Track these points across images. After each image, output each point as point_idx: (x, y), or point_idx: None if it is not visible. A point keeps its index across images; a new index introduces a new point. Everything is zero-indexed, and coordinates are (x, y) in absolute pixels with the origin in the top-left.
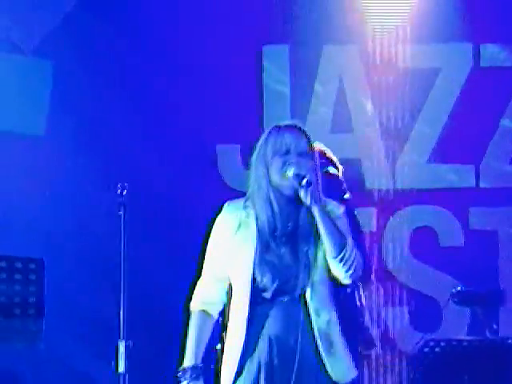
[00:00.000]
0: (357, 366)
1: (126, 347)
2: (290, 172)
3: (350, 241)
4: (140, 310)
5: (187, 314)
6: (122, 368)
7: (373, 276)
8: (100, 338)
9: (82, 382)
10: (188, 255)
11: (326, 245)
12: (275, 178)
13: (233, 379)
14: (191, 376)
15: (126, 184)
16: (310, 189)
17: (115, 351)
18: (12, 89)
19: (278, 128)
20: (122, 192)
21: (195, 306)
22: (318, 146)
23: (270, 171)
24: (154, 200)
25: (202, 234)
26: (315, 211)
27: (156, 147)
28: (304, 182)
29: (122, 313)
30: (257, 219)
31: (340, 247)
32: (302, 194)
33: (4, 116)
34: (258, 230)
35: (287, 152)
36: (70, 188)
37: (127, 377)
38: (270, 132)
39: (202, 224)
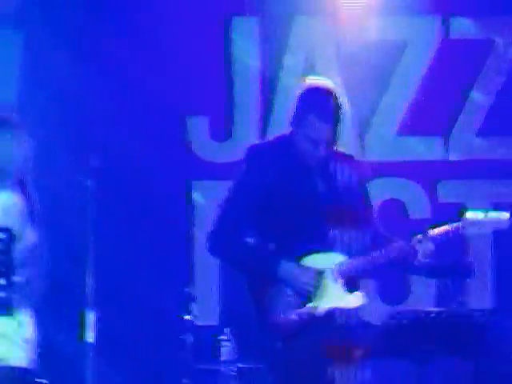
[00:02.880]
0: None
1: (95, 317)
2: None
3: None
4: (109, 280)
5: None
6: (90, 338)
7: None
8: (69, 307)
9: (50, 351)
10: (158, 225)
11: None
12: None
13: None
14: None
15: (95, 154)
16: None
17: (81, 320)
18: None
19: None
20: (91, 162)
21: None
22: None
23: None
24: (123, 171)
25: (171, 204)
26: None
27: (125, 119)
28: None
29: (89, 283)
30: None
31: None
32: None
33: None
34: None
35: None
36: (40, 158)
37: (96, 346)
38: None
39: (172, 195)
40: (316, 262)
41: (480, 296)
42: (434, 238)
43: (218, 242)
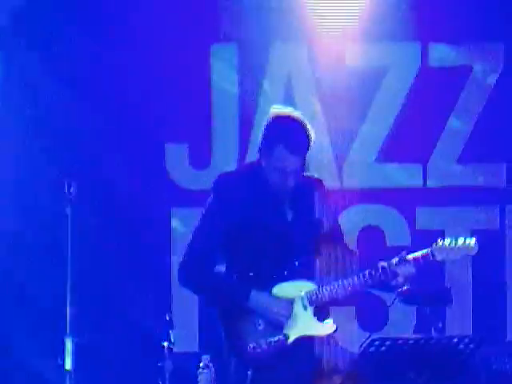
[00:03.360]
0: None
1: (73, 344)
2: None
3: None
4: (88, 307)
5: None
6: (68, 365)
7: None
8: (49, 335)
9: (30, 378)
10: (136, 252)
11: None
12: None
13: None
14: None
15: (73, 182)
16: None
17: (61, 348)
18: None
19: None
20: (69, 190)
21: None
22: None
23: None
24: (101, 198)
25: (150, 231)
26: None
27: (104, 145)
28: None
29: (68, 310)
30: None
31: None
32: None
33: None
34: None
35: None
36: (20, 184)
37: (73, 374)
38: None
39: (149, 221)
40: (286, 290)
41: (459, 323)
42: (410, 262)
43: (188, 273)
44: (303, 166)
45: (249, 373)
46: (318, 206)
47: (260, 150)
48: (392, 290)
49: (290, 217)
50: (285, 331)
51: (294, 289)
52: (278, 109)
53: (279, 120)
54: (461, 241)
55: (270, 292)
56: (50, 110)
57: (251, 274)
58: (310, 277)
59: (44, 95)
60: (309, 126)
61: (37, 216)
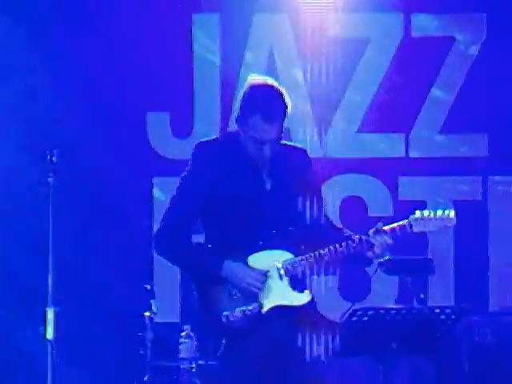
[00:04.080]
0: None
1: (54, 313)
2: None
3: None
4: (69, 277)
5: None
6: (50, 335)
7: None
8: (30, 304)
9: (10, 347)
10: (118, 221)
11: None
12: None
13: None
14: None
15: (54, 150)
16: None
17: (42, 317)
18: None
19: None
20: (50, 159)
21: None
22: None
23: None
24: (83, 166)
25: (132, 200)
26: None
27: (86, 114)
28: None
29: (49, 279)
30: None
31: None
32: None
33: None
34: None
35: None
36: (1, 154)
37: (54, 343)
38: None
39: (131, 191)
40: (262, 260)
41: (441, 293)
42: (386, 233)
43: (163, 242)
44: (280, 135)
45: (223, 341)
46: (300, 175)
47: (237, 119)
48: (368, 262)
49: (268, 186)
50: (259, 300)
51: (270, 258)
52: (254, 78)
53: (254, 89)
54: (439, 212)
55: (246, 262)
56: (31, 81)
57: (227, 243)
58: (287, 247)
59: (25, 67)
60: (285, 94)
61: (18, 186)
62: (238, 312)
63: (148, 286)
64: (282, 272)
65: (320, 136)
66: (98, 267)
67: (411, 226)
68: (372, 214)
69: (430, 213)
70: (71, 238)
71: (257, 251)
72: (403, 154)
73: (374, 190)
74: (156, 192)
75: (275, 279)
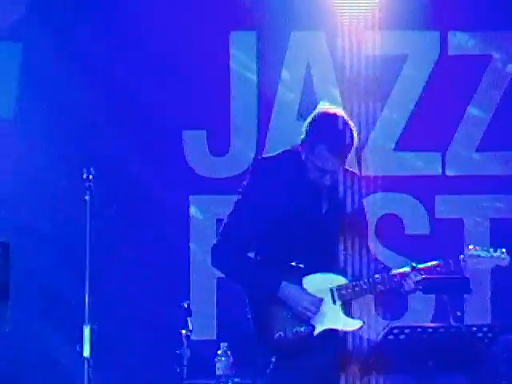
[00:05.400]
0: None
1: (91, 331)
2: None
3: None
4: (106, 295)
5: None
6: (87, 352)
7: None
8: (67, 322)
9: (48, 365)
10: (154, 239)
11: None
12: None
13: None
14: None
15: (92, 169)
16: None
17: (79, 334)
18: None
19: None
20: (88, 177)
21: None
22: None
23: None
24: (120, 185)
25: (169, 218)
26: None
27: (123, 132)
28: None
29: (86, 297)
30: None
31: None
32: None
33: None
34: None
35: None
36: (38, 172)
37: (91, 361)
38: None
39: (168, 209)
40: (316, 283)
41: (478, 311)
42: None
43: (222, 256)
44: (343, 166)
45: (272, 360)
46: (352, 198)
47: (302, 143)
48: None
49: (324, 209)
50: (312, 323)
51: (325, 282)
52: (325, 106)
53: (325, 119)
54: (495, 253)
55: (300, 283)
56: (69, 99)
57: (282, 262)
58: (340, 271)
59: (63, 85)
60: (354, 129)
61: (56, 203)
62: (290, 332)
63: (185, 304)
64: (335, 297)
65: (357, 154)
66: (135, 285)
67: (464, 262)
68: (409, 232)
69: (483, 251)
70: (108, 255)
71: (310, 273)
72: (440, 172)
73: (411, 208)
74: (193, 210)
75: (329, 303)
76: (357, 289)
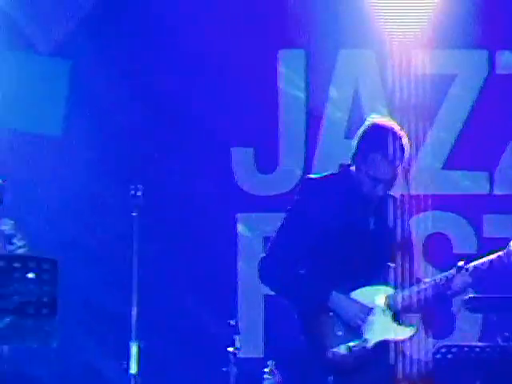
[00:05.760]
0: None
1: (138, 348)
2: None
3: None
4: (153, 311)
5: None
6: (133, 369)
7: None
8: (114, 338)
9: (95, 381)
10: (202, 256)
11: None
12: None
13: None
14: None
15: (139, 186)
16: None
17: (126, 352)
18: (30, 89)
19: None
20: (135, 193)
21: None
22: None
23: None
24: (168, 202)
25: (216, 236)
26: None
27: (171, 149)
28: None
29: (133, 314)
30: None
31: None
32: None
33: (22, 116)
34: None
35: None
36: (86, 188)
37: (139, 378)
38: None
39: (216, 226)
40: (364, 295)
41: None
42: (474, 271)
43: (270, 271)
44: (395, 178)
45: (330, 378)
46: (395, 218)
47: (354, 156)
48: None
49: (372, 225)
50: (365, 336)
51: (374, 293)
52: (376, 118)
53: (377, 128)
54: None
55: (350, 296)
56: (117, 115)
57: (331, 277)
58: (386, 283)
59: (111, 102)
60: (406, 140)
61: (103, 220)
62: (344, 348)
63: (232, 322)
64: (385, 307)
65: (405, 172)
66: (182, 302)
67: (508, 256)
68: (457, 251)
69: None
70: (155, 272)
71: (360, 286)
72: (488, 191)
73: (459, 228)
74: (240, 227)
75: (379, 314)
76: (406, 296)
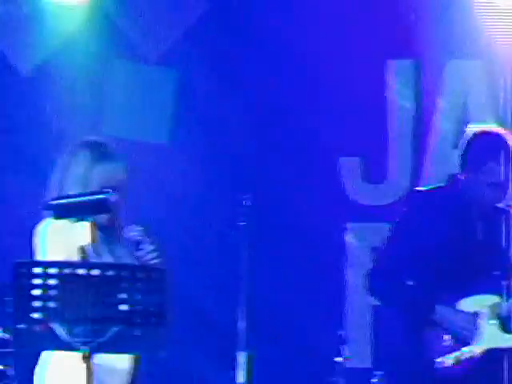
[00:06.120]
0: None
1: (246, 357)
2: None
3: None
4: (261, 321)
5: None
6: (241, 379)
7: None
8: (221, 348)
9: None
10: (310, 266)
11: None
12: None
13: None
14: None
15: (248, 195)
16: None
17: (233, 361)
18: (137, 98)
19: (108, 159)
20: (244, 202)
21: None
22: None
23: None
24: (276, 211)
25: (325, 246)
26: None
27: (279, 158)
28: None
29: (241, 323)
30: None
31: None
32: None
33: (129, 125)
34: None
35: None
36: (193, 197)
37: None
38: (95, 159)
39: (324, 236)
40: (473, 304)
41: None
42: None
43: (378, 282)
44: (507, 182)
45: None
46: (504, 224)
47: (464, 165)
48: None
49: (480, 235)
50: (472, 346)
51: (480, 303)
52: (479, 126)
53: (488, 135)
54: None
55: (455, 306)
56: (224, 123)
57: (438, 288)
58: (493, 291)
59: (218, 110)
60: None
61: (210, 229)
62: (451, 358)
63: (340, 332)
64: (493, 316)
65: None
66: (290, 311)
67: None
68: None
69: None
70: (263, 281)
71: (467, 296)
72: None
73: None
74: (349, 237)
75: (486, 323)
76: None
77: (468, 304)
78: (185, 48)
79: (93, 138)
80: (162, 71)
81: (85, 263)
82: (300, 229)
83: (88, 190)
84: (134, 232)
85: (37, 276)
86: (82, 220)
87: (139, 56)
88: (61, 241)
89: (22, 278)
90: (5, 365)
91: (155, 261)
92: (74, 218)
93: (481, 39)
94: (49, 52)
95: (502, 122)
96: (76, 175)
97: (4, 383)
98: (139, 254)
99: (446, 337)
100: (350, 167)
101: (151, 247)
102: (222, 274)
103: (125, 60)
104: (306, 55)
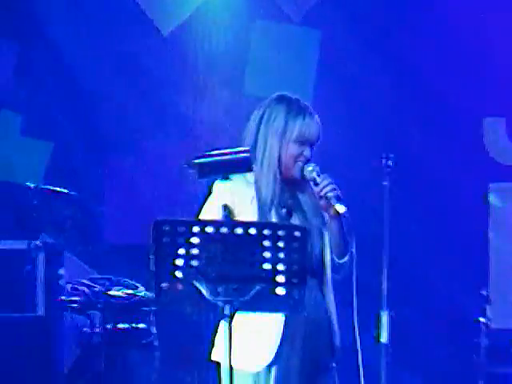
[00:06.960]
0: None
1: (389, 317)
2: (311, 170)
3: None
4: (403, 281)
5: None
6: (384, 338)
7: None
8: (365, 308)
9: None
10: (452, 227)
11: (334, 245)
12: (287, 161)
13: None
14: None
15: (391, 154)
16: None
17: (376, 321)
18: (281, 57)
19: (304, 114)
20: (387, 162)
21: None
22: None
23: (283, 152)
24: (418, 172)
25: (467, 206)
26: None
27: (423, 120)
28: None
29: (384, 283)
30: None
31: (346, 253)
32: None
33: (272, 84)
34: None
35: (304, 142)
36: (336, 157)
37: (390, 347)
38: (293, 113)
39: (467, 196)
40: None
41: None
42: None
43: None
44: None
45: None
46: None
47: None
48: None
49: None
50: None
51: None
52: None
53: None
54: None
55: None
56: (366, 85)
57: None
58: None
59: (360, 71)
60: None
61: (353, 189)
62: None
63: (484, 292)
64: None
65: None
66: (432, 271)
67: None
68: None
69: None
70: (405, 241)
71: None
72: None
73: None
74: (492, 198)
75: None
76: None
77: None
78: (328, 9)
79: (287, 93)
80: (306, 31)
81: (227, 222)
82: (443, 189)
83: (285, 143)
84: (309, 167)
85: (180, 234)
86: (227, 179)
87: (283, 16)
88: (227, 200)
89: (164, 236)
90: (148, 323)
91: (336, 192)
92: (217, 176)
93: None
94: (191, 11)
95: None
96: (277, 127)
97: (147, 341)
98: (317, 188)
99: None
100: (493, 127)
101: (328, 180)
102: (366, 234)
103: (269, 20)
104: (444, 18)
